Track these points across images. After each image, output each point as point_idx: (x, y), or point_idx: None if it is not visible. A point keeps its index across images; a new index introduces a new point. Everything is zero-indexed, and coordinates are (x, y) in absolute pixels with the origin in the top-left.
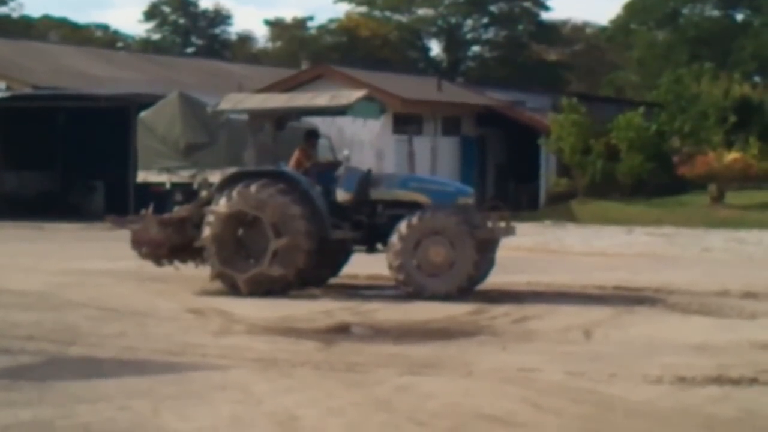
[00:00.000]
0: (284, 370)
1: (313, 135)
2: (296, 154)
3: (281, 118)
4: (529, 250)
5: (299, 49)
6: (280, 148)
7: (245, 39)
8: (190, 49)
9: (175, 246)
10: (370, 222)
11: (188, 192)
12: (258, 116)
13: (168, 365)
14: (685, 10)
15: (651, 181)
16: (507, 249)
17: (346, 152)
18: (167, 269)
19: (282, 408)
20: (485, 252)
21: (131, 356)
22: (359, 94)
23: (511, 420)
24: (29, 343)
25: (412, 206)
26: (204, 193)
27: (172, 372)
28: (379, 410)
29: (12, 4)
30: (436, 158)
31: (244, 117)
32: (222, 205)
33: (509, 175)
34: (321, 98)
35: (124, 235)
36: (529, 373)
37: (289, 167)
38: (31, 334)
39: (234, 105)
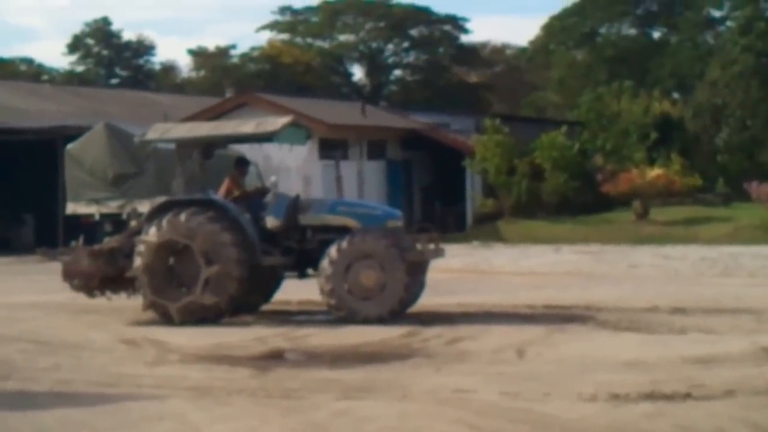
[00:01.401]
0: (220, 398)
1: (243, 163)
2: (226, 182)
3: (208, 147)
4: (458, 271)
5: (223, 78)
6: (208, 177)
7: (169, 69)
8: (114, 81)
9: (106, 277)
10: (300, 247)
11: (118, 222)
12: (185, 145)
13: (104, 397)
14: (603, 30)
15: (576, 200)
16: (437, 271)
17: (273, 179)
18: (100, 300)
19: None
20: (416, 274)
21: (66, 389)
22: (285, 120)
23: None
24: None
25: (342, 231)
26: (134, 223)
27: (108, 403)
28: None
29: None
30: (363, 182)
31: (172, 146)
32: (152, 234)
33: (435, 197)
34: (247, 125)
35: (56, 267)
36: (464, 394)
37: (219, 195)
38: None
39: (161, 134)
